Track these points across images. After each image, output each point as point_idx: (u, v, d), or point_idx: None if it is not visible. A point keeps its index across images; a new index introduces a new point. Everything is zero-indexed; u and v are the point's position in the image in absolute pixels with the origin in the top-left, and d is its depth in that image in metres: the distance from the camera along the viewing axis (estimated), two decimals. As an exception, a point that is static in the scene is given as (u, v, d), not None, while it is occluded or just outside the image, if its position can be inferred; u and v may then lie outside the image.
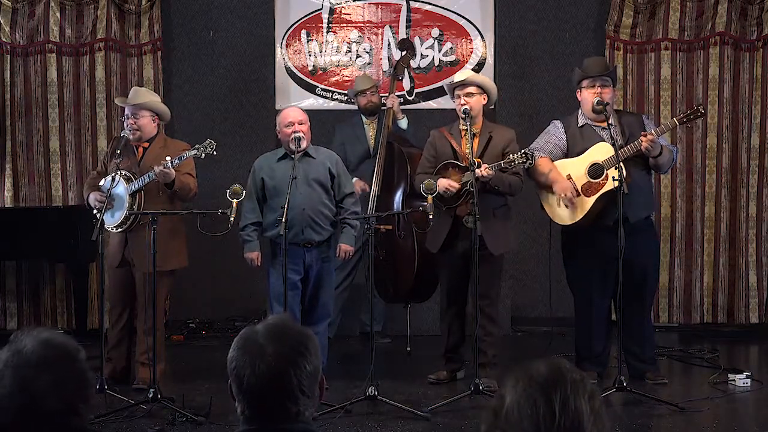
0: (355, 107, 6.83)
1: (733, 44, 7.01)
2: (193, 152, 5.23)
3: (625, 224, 5.01)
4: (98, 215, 5.03)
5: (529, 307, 7.20)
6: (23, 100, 7.17)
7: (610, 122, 5.26)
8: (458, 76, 5.38)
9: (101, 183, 5.35)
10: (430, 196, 5.19)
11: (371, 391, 4.85)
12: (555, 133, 5.49)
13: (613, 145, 5.10)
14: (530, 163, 5.10)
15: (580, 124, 5.44)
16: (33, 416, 1.93)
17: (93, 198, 5.32)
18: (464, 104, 5.24)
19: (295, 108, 5.69)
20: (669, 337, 6.83)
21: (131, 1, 7.15)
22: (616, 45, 7.08)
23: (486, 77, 5.75)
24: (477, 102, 5.30)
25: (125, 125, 5.38)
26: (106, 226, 5.19)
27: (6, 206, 7.06)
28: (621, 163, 5.03)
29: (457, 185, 5.21)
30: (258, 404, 1.92)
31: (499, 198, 5.35)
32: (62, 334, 2.03)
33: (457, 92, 5.32)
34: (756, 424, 4.86)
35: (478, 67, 7.24)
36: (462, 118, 5.26)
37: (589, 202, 5.28)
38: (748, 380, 5.40)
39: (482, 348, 5.24)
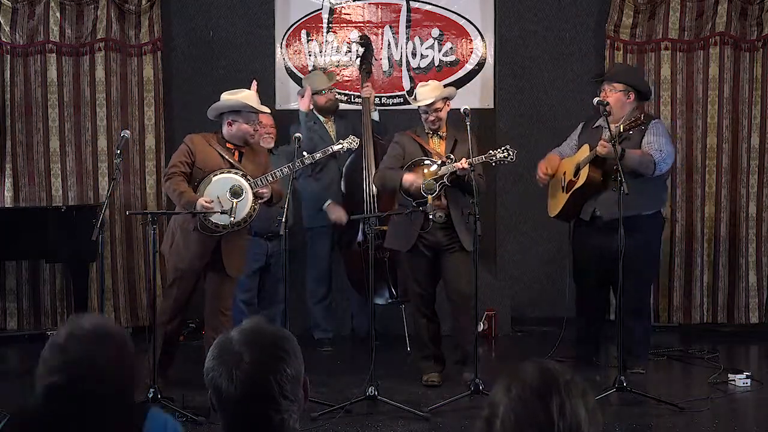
0: (357, 107, 6.85)
1: (733, 44, 7.00)
2: (338, 147, 5.49)
3: (597, 220, 5.60)
4: (228, 213, 5.12)
5: (529, 307, 7.20)
6: (23, 100, 7.16)
7: (597, 123, 5.69)
8: (424, 99, 5.51)
9: (215, 178, 5.21)
10: (430, 196, 5.22)
11: (371, 391, 4.85)
12: (573, 134, 5.94)
13: (614, 144, 5.20)
14: (511, 159, 5.32)
15: (595, 125, 5.78)
16: (92, 382, 2.03)
17: (200, 204, 5.11)
18: (434, 118, 5.50)
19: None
20: (669, 337, 6.83)
21: (131, 1, 7.15)
22: (616, 45, 7.07)
23: (441, 88, 5.70)
24: (444, 112, 5.55)
25: (242, 130, 5.30)
26: (222, 223, 5.17)
27: (6, 206, 7.06)
28: (620, 165, 5.08)
29: (420, 181, 5.38)
30: (239, 415, 1.85)
31: (466, 199, 5.44)
32: (113, 322, 2.23)
33: (425, 109, 5.53)
34: (756, 424, 4.87)
35: (478, 67, 7.25)
36: (432, 129, 5.54)
37: (565, 197, 5.71)
38: (748, 380, 5.41)
39: (463, 344, 5.43)
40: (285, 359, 1.85)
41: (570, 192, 5.68)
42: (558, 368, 1.57)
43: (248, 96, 5.37)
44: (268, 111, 5.51)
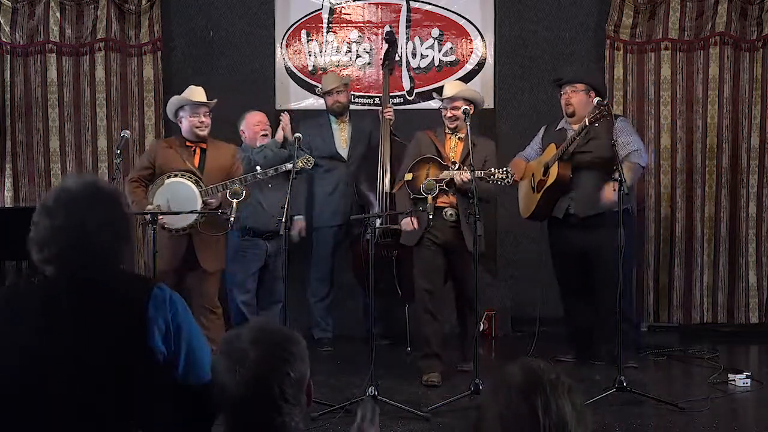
0: (357, 107, 6.85)
1: (733, 44, 7.00)
2: (290, 167, 5.43)
3: (571, 218, 5.67)
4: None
5: (529, 307, 7.18)
6: (23, 100, 7.17)
7: (559, 125, 5.88)
8: (449, 91, 5.58)
9: (167, 181, 5.32)
10: (429, 196, 5.23)
11: (371, 391, 4.85)
12: (536, 138, 6.01)
13: (613, 145, 5.18)
14: (508, 181, 5.32)
15: (558, 128, 5.88)
16: (85, 249, 2.01)
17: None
18: (452, 116, 5.52)
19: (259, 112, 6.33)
20: (669, 337, 6.83)
21: (131, 1, 7.15)
22: (616, 45, 7.07)
23: (471, 90, 5.86)
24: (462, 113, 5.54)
25: (189, 123, 5.46)
26: (170, 227, 5.28)
27: (6, 206, 7.06)
28: (621, 166, 5.07)
29: (415, 226, 5.51)
30: (241, 414, 1.85)
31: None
32: (104, 180, 2.15)
33: (445, 104, 5.57)
34: (756, 424, 4.87)
35: (478, 67, 7.25)
36: (450, 128, 5.56)
37: (537, 197, 5.78)
38: (748, 380, 5.41)
39: (468, 345, 5.49)
40: (289, 361, 1.85)
41: (541, 191, 5.75)
42: (543, 367, 1.56)
43: (193, 91, 5.54)
44: (215, 101, 5.59)
